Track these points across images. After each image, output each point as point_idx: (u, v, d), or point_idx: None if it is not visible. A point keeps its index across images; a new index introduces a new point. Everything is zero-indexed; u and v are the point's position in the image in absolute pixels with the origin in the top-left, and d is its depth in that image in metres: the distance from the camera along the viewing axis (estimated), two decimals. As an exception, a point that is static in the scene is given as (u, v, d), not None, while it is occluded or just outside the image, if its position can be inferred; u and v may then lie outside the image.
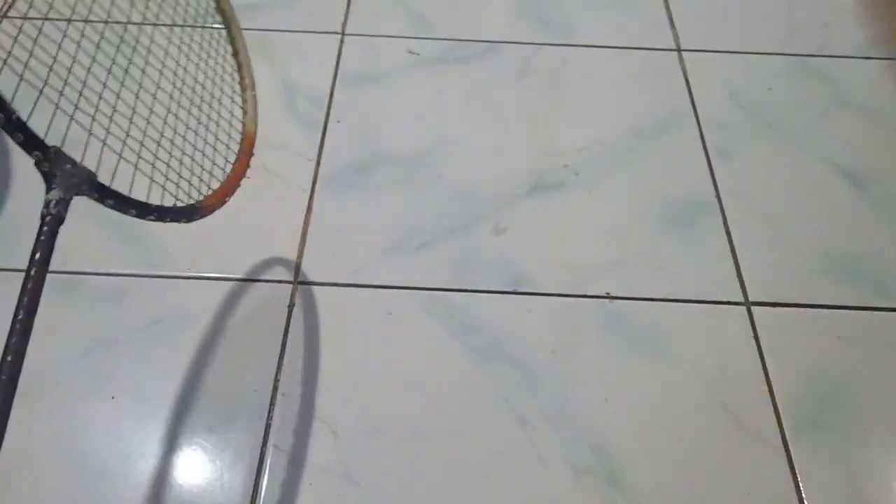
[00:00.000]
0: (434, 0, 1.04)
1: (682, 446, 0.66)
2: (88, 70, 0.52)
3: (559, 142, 0.88)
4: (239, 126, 0.65)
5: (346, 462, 0.64)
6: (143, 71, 0.61)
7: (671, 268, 0.77)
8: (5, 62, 0.45)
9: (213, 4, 0.71)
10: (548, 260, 0.78)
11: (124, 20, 0.67)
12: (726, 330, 0.73)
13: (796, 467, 0.65)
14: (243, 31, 0.72)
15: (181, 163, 0.57)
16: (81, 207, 0.82)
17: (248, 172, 0.61)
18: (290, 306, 0.74)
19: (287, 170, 0.84)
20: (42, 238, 0.41)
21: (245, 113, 0.67)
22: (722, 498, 0.63)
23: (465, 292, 0.75)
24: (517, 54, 0.98)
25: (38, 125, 0.43)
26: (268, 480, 0.63)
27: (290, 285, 0.75)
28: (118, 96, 0.55)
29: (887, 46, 1.00)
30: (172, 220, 0.52)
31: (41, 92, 0.47)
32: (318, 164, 0.85)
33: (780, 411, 0.68)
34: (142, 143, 0.55)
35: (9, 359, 0.38)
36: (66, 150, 0.44)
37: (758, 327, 0.73)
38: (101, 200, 0.46)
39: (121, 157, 0.52)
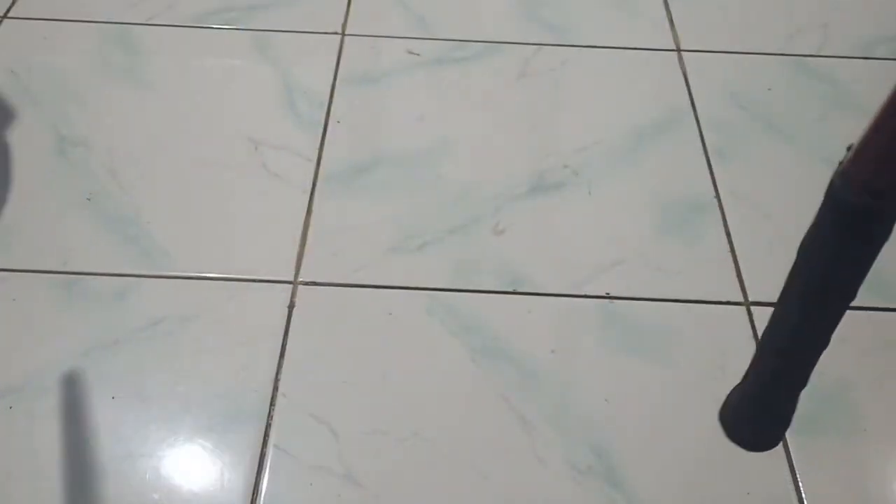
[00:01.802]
0: (434, 0, 1.04)
1: (682, 446, 0.66)
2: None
3: (559, 142, 0.88)
4: None
5: (346, 462, 0.64)
6: None
7: (671, 268, 0.77)
8: None
9: None
10: (548, 260, 0.78)
11: None
12: (726, 330, 0.73)
13: (796, 467, 0.65)
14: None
15: None
16: (80, 208, 0.83)
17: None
18: (290, 306, 0.74)
19: (287, 170, 0.84)
20: None
21: None
22: (722, 498, 0.63)
23: (465, 292, 0.75)
24: (517, 54, 0.98)
25: None
26: (268, 480, 0.63)
27: (290, 285, 0.75)
28: None
29: (887, 46, 1.00)
30: None
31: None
32: (318, 164, 0.85)
33: (780, 411, 0.68)
34: None
35: None
36: None
37: (758, 327, 0.73)
38: None
39: None
